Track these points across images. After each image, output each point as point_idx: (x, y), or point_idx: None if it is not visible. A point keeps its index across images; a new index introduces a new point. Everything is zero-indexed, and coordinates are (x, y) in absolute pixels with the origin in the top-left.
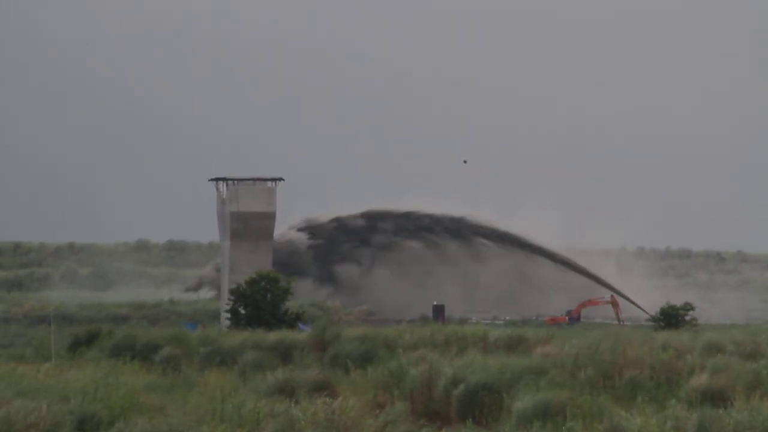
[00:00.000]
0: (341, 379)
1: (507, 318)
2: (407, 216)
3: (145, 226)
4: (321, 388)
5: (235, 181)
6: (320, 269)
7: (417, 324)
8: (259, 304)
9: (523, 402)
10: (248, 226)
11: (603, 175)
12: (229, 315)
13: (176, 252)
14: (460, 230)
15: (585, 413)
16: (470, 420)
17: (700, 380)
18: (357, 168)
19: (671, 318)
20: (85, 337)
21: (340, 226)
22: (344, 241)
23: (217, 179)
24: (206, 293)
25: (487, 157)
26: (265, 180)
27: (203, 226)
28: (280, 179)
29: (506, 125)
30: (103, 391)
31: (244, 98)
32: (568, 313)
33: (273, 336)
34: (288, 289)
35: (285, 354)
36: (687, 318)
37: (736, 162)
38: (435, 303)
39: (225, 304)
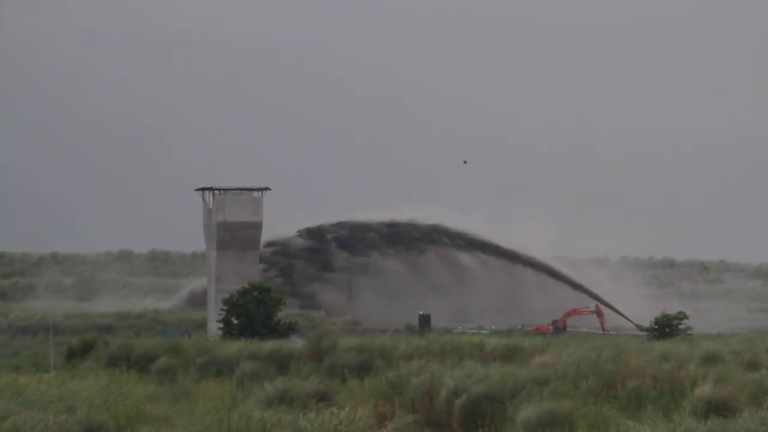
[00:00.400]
0: (339, 389)
1: (492, 327)
2: (390, 225)
3: (127, 235)
4: (320, 398)
5: (222, 191)
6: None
7: (402, 334)
8: (252, 314)
9: (527, 412)
10: (234, 236)
11: (587, 186)
12: (220, 324)
13: (159, 262)
14: (443, 239)
15: (591, 423)
16: (474, 430)
17: (704, 390)
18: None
19: (665, 327)
20: (80, 347)
21: (321, 236)
22: (327, 251)
23: (203, 189)
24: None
25: (477, 167)
26: (252, 190)
27: (187, 236)
28: (267, 189)
29: (498, 135)
30: (107, 402)
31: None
32: (554, 322)
33: (268, 346)
34: (280, 299)
35: (281, 364)
36: (681, 327)
37: (718, 172)
38: (421, 313)
39: (216, 313)
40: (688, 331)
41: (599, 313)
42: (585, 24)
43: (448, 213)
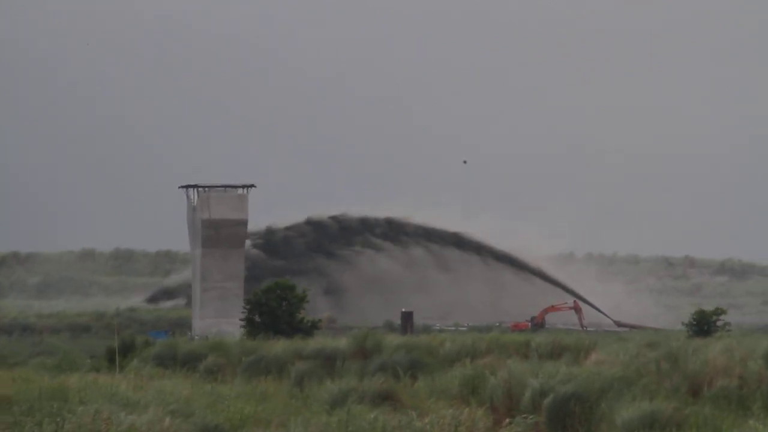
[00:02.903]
0: (400, 389)
1: (469, 324)
2: (363, 222)
3: (88, 234)
4: (385, 397)
5: (206, 188)
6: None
7: (381, 332)
8: (275, 312)
9: (628, 412)
10: (220, 234)
11: (549, 180)
12: (243, 323)
13: (123, 260)
14: (422, 236)
15: (698, 424)
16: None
17: None
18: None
19: (704, 324)
20: (122, 347)
21: (298, 233)
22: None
23: (187, 186)
24: (164, 303)
25: (439, 164)
26: (236, 187)
27: (150, 235)
28: (252, 186)
29: (456, 134)
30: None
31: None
32: (532, 319)
33: (312, 345)
34: (304, 297)
35: (325, 363)
36: (719, 324)
37: (681, 168)
38: (403, 310)
39: (199, 311)
40: (728, 328)
41: (577, 309)
42: (591, 24)
43: (420, 211)
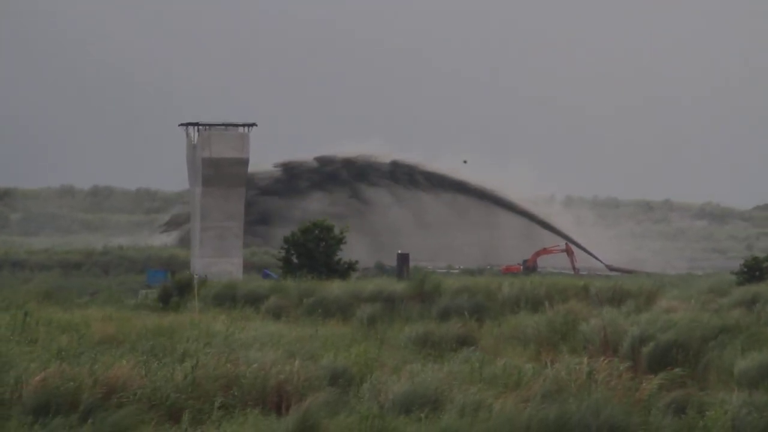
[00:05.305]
0: (480, 333)
1: (461, 267)
2: (353, 161)
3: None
4: (464, 342)
5: (207, 127)
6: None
7: (371, 274)
8: (313, 252)
9: (746, 362)
10: (220, 173)
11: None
12: (281, 263)
13: (102, 197)
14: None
15: None
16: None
17: None
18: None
19: (755, 270)
20: (177, 287)
21: (287, 171)
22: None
23: (187, 124)
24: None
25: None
26: (237, 125)
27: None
28: (253, 125)
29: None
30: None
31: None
32: (524, 262)
33: (370, 287)
34: (342, 238)
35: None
36: None
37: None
38: (399, 252)
39: (199, 250)
40: None
41: (569, 252)
42: None
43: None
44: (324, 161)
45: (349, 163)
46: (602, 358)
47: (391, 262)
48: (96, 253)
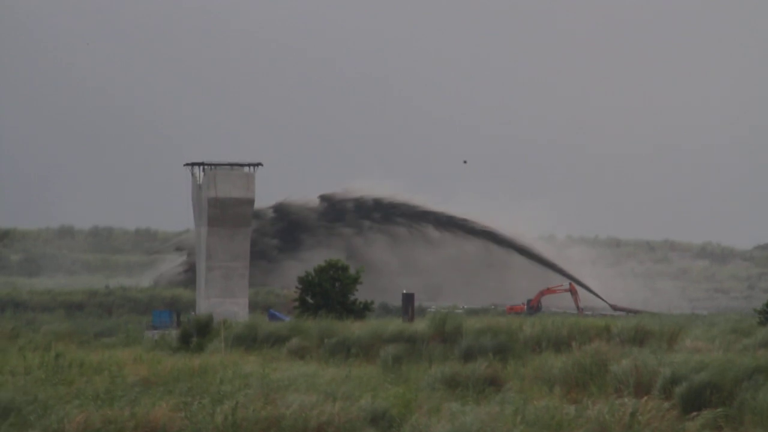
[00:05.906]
0: (505, 374)
1: (465, 306)
2: (357, 201)
3: (65, 211)
4: (491, 382)
5: (213, 166)
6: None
7: (377, 314)
8: (328, 293)
9: None
10: (226, 213)
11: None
12: (296, 303)
13: (102, 238)
14: (419, 216)
15: None
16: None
17: None
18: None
19: None
20: (196, 327)
21: (285, 212)
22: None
23: (192, 164)
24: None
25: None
26: (243, 165)
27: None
28: (259, 164)
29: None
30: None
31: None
32: (528, 302)
33: (391, 327)
34: (357, 278)
35: (407, 346)
36: None
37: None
38: (405, 292)
39: (205, 291)
40: None
41: (573, 292)
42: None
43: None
44: (327, 200)
45: (353, 202)
46: (644, 399)
47: (393, 301)
48: (99, 293)
